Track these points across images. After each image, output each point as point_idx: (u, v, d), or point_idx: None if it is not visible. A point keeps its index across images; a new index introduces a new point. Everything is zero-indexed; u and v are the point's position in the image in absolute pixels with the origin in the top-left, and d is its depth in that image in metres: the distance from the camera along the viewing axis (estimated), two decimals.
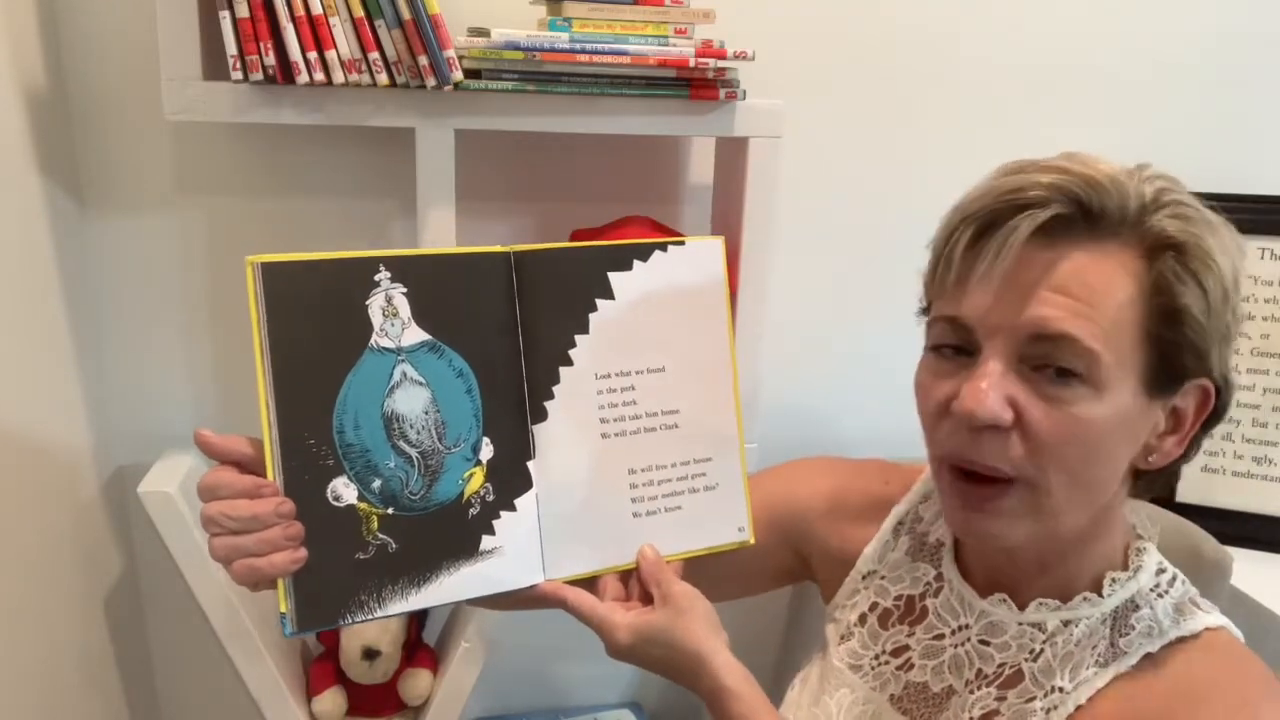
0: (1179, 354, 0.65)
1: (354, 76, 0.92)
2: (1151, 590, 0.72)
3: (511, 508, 0.74)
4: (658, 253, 0.78)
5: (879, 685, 0.80)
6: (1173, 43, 1.26)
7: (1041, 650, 0.72)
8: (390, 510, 0.69)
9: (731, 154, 1.09)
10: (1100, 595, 0.72)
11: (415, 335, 0.70)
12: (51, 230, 1.02)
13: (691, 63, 0.97)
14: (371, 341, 0.68)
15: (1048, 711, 0.70)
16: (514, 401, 0.74)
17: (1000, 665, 0.74)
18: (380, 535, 0.69)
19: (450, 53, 0.92)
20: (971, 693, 0.75)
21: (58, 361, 1.05)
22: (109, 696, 1.14)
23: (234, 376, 1.17)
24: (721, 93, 1.00)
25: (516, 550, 0.74)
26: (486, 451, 0.73)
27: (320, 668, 1.16)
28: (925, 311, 0.74)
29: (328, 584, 0.67)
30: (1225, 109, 1.30)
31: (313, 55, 0.90)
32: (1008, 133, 1.25)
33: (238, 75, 0.90)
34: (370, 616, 0.68)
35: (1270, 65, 1.29)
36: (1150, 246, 0.64)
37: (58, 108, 1.03)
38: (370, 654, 1.13)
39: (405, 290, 0.69)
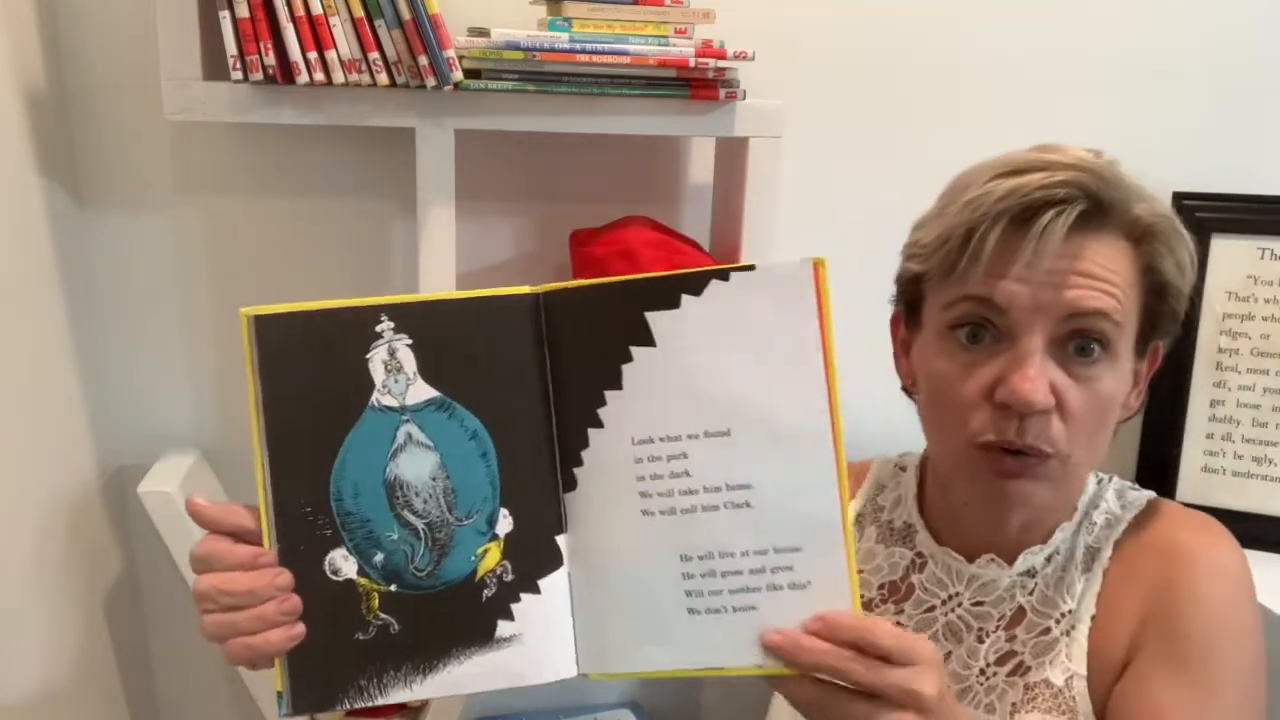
0: (1162, 320, 0.76)
1: (354, 76, 0.92)
2: (1097, 488, 0.82)
3: (534, 589, 0.65)
4: (715, 283, 0.62)
5: None
6: (1174, 43, 1.26)
7: (1035, 586, 0.79)
8: (393, 587, 0.63)
9: (731, 154, 1.09)
10: (1070, 520, 0.80)
11: (422, 392, 0.63)
12: (51, 230, 1.01)
13: (691, 63, 0.97)
14: (372, 400, 0.63)
15: (1067, 633, 0.75)
16: (542, 467, 0.65)
17: (1000, 617, 0.79)
18: (382, 615, 0.63)
19: (450, 53, 0.92)
20: (980, 642, 0.79)
21: (57, 361, 1.04)
22: (109, 696, 1.14)
23: (234, 377, 1.17)
24: (721, 93, 1.00)
25: (541, 638, 0.66)
26: (504, 525, 0.65)
27: None
28: (909, 293, 0.80)
29: (325, 665, 0.63)
30: (1225, 108, 1.30)
31: (313, 55, 0.90)
32: (1007, 132, 1.24)
33: (238, 75, 0.90)
34: (371, 703, 0.63)
35: (1271, 64, 1.29)
36: (1137, 233, 0.73)
37: (57, 106, 1.03)
38: None
39: (410, 342, 0.63)
